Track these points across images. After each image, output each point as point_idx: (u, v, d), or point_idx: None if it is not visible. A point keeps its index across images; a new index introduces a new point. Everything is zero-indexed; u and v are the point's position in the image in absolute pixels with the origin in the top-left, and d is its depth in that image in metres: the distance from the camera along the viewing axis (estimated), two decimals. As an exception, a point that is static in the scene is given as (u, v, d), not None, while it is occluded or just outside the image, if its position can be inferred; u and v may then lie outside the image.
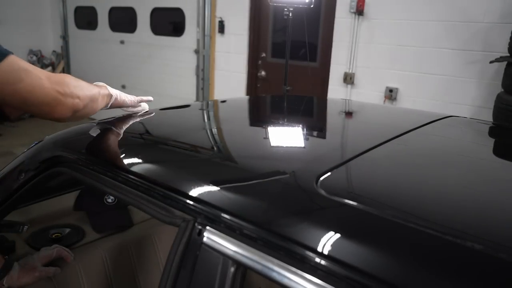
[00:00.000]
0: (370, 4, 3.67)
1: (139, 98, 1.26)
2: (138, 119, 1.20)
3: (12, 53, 0.86)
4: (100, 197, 1.54)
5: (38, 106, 0.88)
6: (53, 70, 6.74)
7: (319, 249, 0.57)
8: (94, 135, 1.05)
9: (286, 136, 1.18)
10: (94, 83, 1.08)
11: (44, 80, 0.87)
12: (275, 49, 4.60)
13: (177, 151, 1.01)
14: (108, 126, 1.11)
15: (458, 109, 3.29)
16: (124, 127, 1.12)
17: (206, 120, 1.43)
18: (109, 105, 1.11)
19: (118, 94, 1.14)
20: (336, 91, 4.01)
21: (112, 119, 1.16)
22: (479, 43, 3.23)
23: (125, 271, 1.41)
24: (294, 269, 0.57)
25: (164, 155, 0.99)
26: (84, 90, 0.97)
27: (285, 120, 1.42)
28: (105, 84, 1.12)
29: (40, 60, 6.77)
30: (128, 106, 1.20)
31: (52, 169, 1.01)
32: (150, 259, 1.47)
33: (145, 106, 1.27)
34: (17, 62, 0.85)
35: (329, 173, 0.79)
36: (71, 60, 6.99)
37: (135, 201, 0.80)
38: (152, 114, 1.26)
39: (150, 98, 1.29)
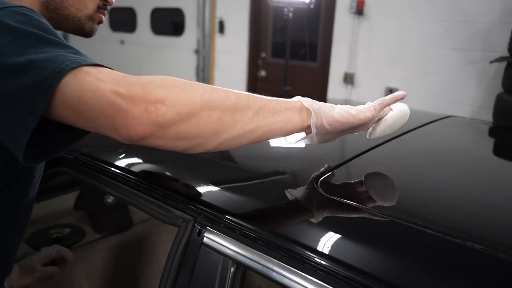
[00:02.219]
0: (370, 4, 3.67)
1: (378, 103, 0.73)
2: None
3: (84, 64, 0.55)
4: (100, 197, 1.54)
5: (95, 120, 0.53)
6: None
7: (319, 249, 0.57)
8: None
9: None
10: (291, 98, 0.67)
11: (103, 82, 0.53)
12: (275, 49, 4.60)
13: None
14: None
15: (458, 109, 3.29)
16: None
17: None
18: (314, 133, 0.66)
19: (330, 110, 0.67)
20: (336, 91, 4.00)
21: None
22: (479, 43, 3.23)
23: (125, 271, 1.41)
24: (294, 269, 0.57)
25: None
26: (191, 92, 0.55)
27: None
28: (300, 98, 0.67)
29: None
30: (357, 129, 0.72)
31: (53, 169, 1.01)
32: (150, 259, 1.46)
33: (396, 113, 0.78)
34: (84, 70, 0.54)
35: (329, 174, 0.79)
36: (71, 60, 6.98)
37: (135, 201, 0.80)
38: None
39: (401, 93, 0.79)
